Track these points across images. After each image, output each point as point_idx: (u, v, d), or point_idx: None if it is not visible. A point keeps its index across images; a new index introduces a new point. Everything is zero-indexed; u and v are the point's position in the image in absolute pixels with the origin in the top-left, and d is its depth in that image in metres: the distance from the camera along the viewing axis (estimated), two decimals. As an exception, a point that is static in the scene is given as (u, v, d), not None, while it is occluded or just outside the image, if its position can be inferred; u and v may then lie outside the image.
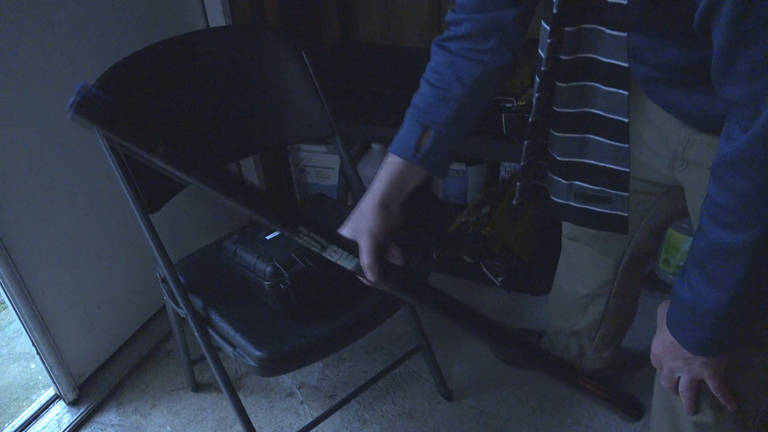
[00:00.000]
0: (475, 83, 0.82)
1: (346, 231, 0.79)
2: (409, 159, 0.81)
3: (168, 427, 1.41)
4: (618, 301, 1.22)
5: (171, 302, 1.18)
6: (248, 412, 1.13)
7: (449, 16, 0.84)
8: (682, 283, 0.69)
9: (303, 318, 1.05)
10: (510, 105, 1.49)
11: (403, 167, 0.82)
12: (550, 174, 0.96)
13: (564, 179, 0.93)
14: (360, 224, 0.77)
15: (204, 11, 1.62)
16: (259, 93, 1.24)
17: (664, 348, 0.76)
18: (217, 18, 1.62)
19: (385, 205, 0.80)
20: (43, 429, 1.40)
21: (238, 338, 1.02)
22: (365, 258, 0.74)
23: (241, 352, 1.02)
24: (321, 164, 1.97)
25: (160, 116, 1.11)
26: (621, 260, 1.13)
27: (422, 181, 0.84)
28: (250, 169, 1.91)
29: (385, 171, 0.83)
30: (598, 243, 1.14)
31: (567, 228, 1.20)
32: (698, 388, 0.78)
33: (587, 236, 1.14)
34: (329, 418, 1.35)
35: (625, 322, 1.30)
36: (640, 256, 1.13)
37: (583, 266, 1.21)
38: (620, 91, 0.77)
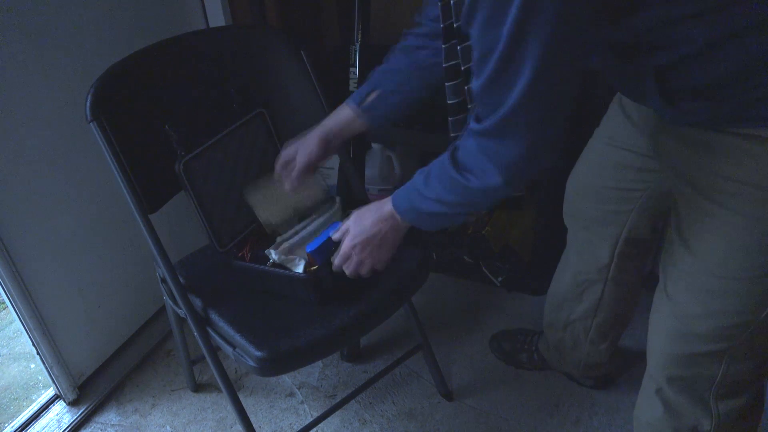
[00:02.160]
0: (419, 68, 1.02)
1: (290, 150, 1.08)
2: (353, 108, 1.06)
3: (168, 427, 1.41)
4: (614, 288, 1.23)
5: (171, 302, 1.18)
6: (248, 412, 1.13)
7: (416, 19, 1.03)
8: (421, 173, 0.89)
9: (335, 304, 1.06)
10: None
11: (349, 114, 1.06)
12: None
13: None
14: (303, 147, 1.07)
15: (204, 11, 1.62)
16: (258, 93, 1.24)
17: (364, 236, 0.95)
18: (217, 18, 1.62)
19: (326, 140, 1.07)
20: (43, 429, 1.40)
21: (237, 338, 1.02)
22: (296, 170, 1.07)
23: (241, 352, 1.02)
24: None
25: (159, 116, 1.11)
26: (617, 243, 1.16)
27: (361, 130, 1.07)
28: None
29: (335, 113, 1.08)
30: (594, 225, 1.17)
31: (567, 206, 1.23)
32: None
33: (585, 216, 1.18)
34: (329, 418, 1.35)
35: (622, 316, 1.30)
36: (637, 240, 1.15)
37: (580, 248, 1.24)
38: None
